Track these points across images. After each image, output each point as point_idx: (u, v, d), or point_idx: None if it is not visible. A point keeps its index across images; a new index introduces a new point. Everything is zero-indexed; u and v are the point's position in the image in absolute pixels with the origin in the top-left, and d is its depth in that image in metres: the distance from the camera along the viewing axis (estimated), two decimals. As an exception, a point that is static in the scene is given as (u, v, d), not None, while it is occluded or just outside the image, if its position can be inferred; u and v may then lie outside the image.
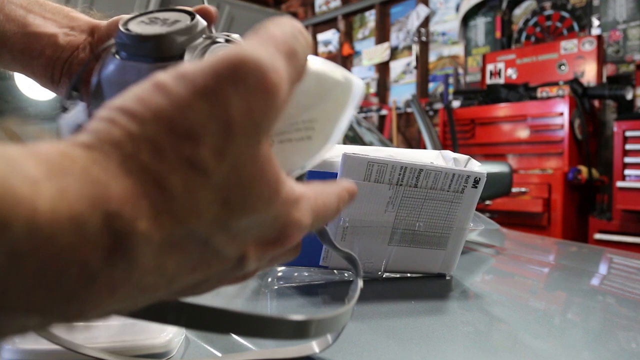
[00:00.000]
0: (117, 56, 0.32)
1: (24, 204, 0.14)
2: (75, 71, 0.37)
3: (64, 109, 0.35)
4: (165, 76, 0.18)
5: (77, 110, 0.34)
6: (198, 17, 0.32)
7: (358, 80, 0.26)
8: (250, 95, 0.17)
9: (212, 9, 0.36)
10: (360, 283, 0.30)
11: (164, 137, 0.17)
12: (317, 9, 4.85)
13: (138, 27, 0.31)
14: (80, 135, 0.17)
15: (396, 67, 4.29)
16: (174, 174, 0.17)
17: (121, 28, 0.31)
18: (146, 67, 0.31)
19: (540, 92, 2.94)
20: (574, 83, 2.88)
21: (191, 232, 0.17)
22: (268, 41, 0.19)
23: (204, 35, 0.32)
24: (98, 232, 0.15)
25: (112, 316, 0.19)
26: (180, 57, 0.31)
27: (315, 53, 4.87)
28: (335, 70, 0.26)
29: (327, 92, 0.25)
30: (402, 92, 4.18)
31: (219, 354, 0.40)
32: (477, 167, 0.66)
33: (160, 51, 0.30)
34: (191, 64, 0.18)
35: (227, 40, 0.33)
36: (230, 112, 0.17)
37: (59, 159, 0.15)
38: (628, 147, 2.60)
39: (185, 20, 0.32)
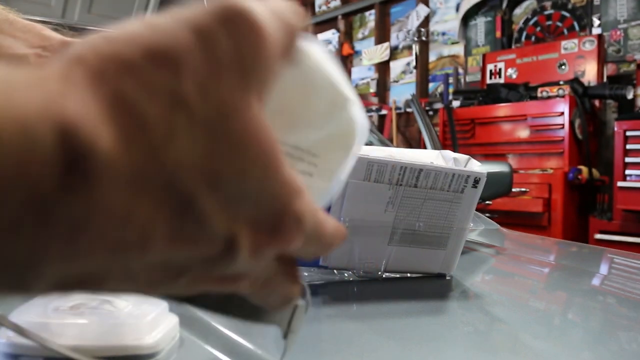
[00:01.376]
0: None
1: None
2: None
3: None
4: (156, 16, 0.16)
5: None
6: None
7: (363, 114, 0.24)
8: (240, 38, 0.16)
9: None
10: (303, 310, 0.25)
11: (140, 59, 0.15)
12: (317, 9, 4.85)
13: None
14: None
15: (396, 67, 4.29)
16: (149, 100, 0.15)
17: None
18: None
19: (540, 92, 2.94)
20: (575, 83, 2.88)
21: (170, 179, 0.15)
22: (265, 5, 0.18)
23: None
24: (49, 147, 0.13)
25: (75, 290, 0.16)
26: None
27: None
28: (347, 85, 0.23)
29: (335, 106, 0.22)
30: (402, 92, 4.18)
31: (218, 354, 0.40)
32: (477, 167, 0.66)
33: None
34: (187, 9, 0.17)
35: None
36: (217, 48, 0.16)
37: (5, 69, 0.13)
38: (629, 146, 2.60)
39: None
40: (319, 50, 0.21)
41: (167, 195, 0.15)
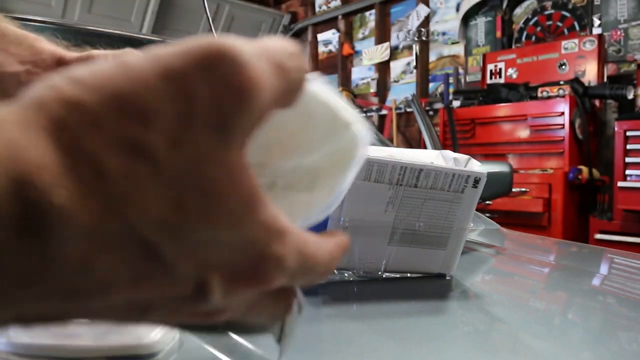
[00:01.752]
0: None
1: None
2: None
3: None
4: (134, 55, 0.15)
5: None
6: None
7: (366, 129, 0.23)
8: (220, 86, 0.15)
9: None
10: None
11: (105, 109, 0.14)
12: (317, 9, 4.85)
13: None
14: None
15: (396, 66, 4.29)
16: (112, 152, 0.14)
17: None
18: None
19: (540, 92, 2.94)
20: (575, 83, 2.88)
21: (132, 229, 0.15)
22: (256, 45, 0.17)
23: None
24: (4, 198, 0.13)
25: (30, 324, 0.16)
26: None
27: (316, 53, 4.87)
28: (347, 109, 0.22)
29: (335, 132, 0.22)
30: (402, 92, 4.18)
31: (218, 354, 0.40)
32: (477, 167, 0.66)
33: None
34: (166, 47, 0.16)
35: None
36: (192, 97, 0.15)
37: None
38: (629, 146, 2.60)
39: None
40: (315, 80, 0.21)
41: (129, 243, 0.15)
